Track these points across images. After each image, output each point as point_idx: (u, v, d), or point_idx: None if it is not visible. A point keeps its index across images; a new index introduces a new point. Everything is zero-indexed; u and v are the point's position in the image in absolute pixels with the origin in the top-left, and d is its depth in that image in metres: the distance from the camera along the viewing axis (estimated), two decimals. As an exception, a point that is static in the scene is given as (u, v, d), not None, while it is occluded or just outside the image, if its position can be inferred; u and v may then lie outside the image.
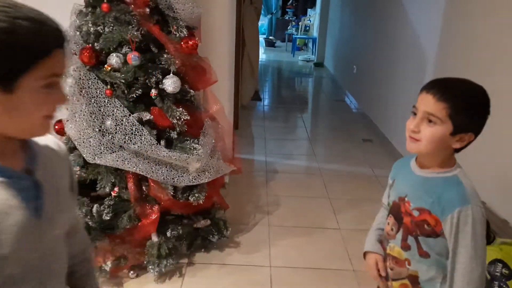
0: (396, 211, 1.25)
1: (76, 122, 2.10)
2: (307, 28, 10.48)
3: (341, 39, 7.43)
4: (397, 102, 4.22)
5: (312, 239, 2.71)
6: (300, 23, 10.69)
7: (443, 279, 1.17)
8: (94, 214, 2.15)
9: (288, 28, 11.29)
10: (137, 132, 2.06)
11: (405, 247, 1.21)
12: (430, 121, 1.11)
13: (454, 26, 3.08)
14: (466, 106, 1.10)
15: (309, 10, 10.95)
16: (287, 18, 11.94)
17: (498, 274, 1.81)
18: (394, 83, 4.33)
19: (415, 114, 1.15)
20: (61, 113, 2.20)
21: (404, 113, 3.99)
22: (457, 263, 1.11)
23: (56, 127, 2.23)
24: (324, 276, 2.36)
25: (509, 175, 2.32)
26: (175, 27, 2.14)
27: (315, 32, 9.85)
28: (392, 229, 1.26)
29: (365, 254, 1.39)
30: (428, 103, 1.11)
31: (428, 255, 1.17)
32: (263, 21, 11.69)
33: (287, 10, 12.15)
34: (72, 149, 2.16)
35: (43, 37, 0.75)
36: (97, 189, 2.13)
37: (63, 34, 0.78)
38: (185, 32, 2.14)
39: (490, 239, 2.09)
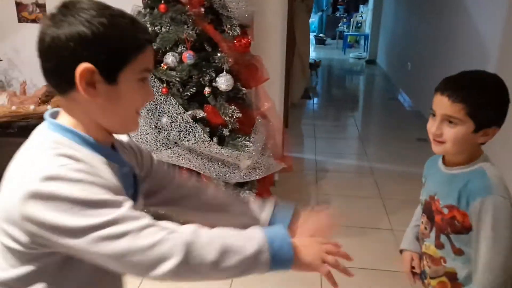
0: (428, 210, 1.23)
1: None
2: (359, 24, 10.28)
3: (395, 35, 7.23)
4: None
5: (364, 239, 2.66)
6: (351, 19, 10.50)
7: None
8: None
9: (339, 25, 11.12)
10: (191, 129, 2.12)
11: (439, 245, 1.18)
12: (450, 122, 1.08)
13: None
14: (484, 102, 1.07)
15: (361, 6, 10.74)
16: (338, 15, 11.77)
17: None
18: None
19: (434, 115, 1.12)
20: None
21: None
22: (479, 254, 1.07)
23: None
24: (377, 277, 2.32)
25: None
26: (229, 26, 2.18)
27: (367, 29, 9.65)
28: (426, 228, 1.24)
29: (401, 251, 1.37)
30: (444, 105, 1.08)
31: (462, 252, 1.14)
32: (314, 19, 11.59)
33: (338, 7, 11.97)
34: (130, 145, 2.26)
35: (139, 33, 0.79)
36: (153, 184, 2.21)
37: (150, 32, 0.82)
38: (238, 31, 2.18)
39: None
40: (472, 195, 1.08)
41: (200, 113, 2.18)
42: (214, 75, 2.17)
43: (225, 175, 2.22)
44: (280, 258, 0.81)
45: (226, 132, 2.25)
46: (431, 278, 1.24)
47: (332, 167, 3.77)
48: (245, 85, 2.34)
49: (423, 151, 4.04)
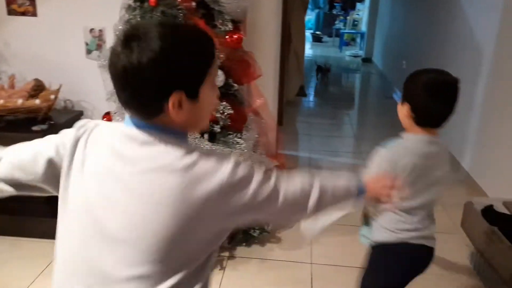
0: None
1: (124, 114, 2.16)
2: (356, 22, 10.26)
3: (391, 33, 7.21)
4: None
5: (356, 238, 2.64)
6: (348, 17, 10.47)
7: None
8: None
9: (336, 22, 11.09)
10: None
11: None
12: None
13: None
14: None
15: (358, 4, 10.71)
16: (334, 12, 11.74)
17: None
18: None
19: None
20: (109, 105, 2.27)
21: (456, 111, 3.81)
22: None
23: (105, 119, 2.30)
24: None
25: None
26: (221, 21, 2.15)
27: (363, 27, 9.63)
28: None
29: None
30: None
31: None
32: (310, 16, 11.55)
33: (335, 4, 11.93)
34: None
35: (211, 46, 0.84)
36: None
37: None
38: (230, 26, 2.14)
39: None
40: None
41: (191, 109, 2.15)
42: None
43: (215, 172, 2.19)
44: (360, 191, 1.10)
45: (217, 128, 2.21)
46: None
47: (327, 165, 3.75)
48: (237, 81, 2.31)
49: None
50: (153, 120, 0.82)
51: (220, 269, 2.32)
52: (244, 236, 2.48)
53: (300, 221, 1.18)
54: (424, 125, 1.45)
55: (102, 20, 2.62)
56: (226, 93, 2.25)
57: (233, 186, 0.81)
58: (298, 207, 0.95)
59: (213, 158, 0.81)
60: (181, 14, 2.08)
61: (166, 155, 0.80)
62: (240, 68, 2.30)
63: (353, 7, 10.94)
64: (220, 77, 2.12)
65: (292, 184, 0.93)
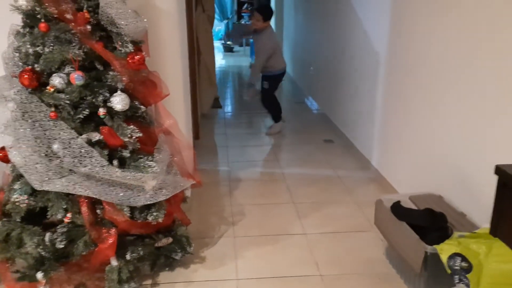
0: None
1: (20, 148, 1.99)
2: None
3: (296, 42, 7.49)
4: (353, 101, 4.27)
5: (278, 247, 2.69)
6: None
7: None
8: (47, 243, 2.04)
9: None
10: (87, 154, 1.97)
11: None
12: None
13: (400, 26, 3.14)
14: None
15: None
16: (243, 22, 11.95)
17: (457, 267, 1.84)
18: (349, 83, 4.38)
19: None
20: (4, 139, 2.09)
21: (362, 111, 4.04)
22: None
23: (0, 154, 2.12)
24: (291, 285, 2.34)
25: (465, 169, 2.38)
26: (120, 43, 2.07)
27: (272, 36, 9.88)
28: None
29: None
30: None
31: None
32: (220, 27, 11.66)
33: (242, 14, 12.16)
34: (19, 176, 2.06)
35: None
36: (48, 216, 2.03)
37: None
38: (130, 48, 2.07)
39: (448, 233, 2.13)
40: None
41: (96, 136, 2.04)
42: (108, 94, 2.04)
43: (129, 199, 2.10)
44: None
45: (126, 153, 2.13)
46: None
47: (246, 176, 3.78)
48: (144, 102, 2.24)
49: (329, 152, 4.24)
50: None
51: (143, 299, 2.23)
52: (166, 261, 2.40)
53: None
54: None
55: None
56: (133, 116, 2.18)
57: None
58: None
59: None
60: (76, 38, 1.98)
61: None
62: (145, 89, 2.23)
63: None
64: (124, 101, 2.04)
65: None
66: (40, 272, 2.07)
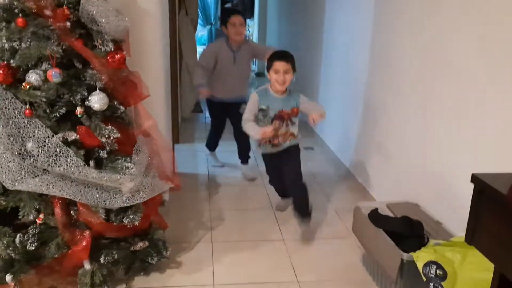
0: (280, 117, 2.74)
1: None
2: (247, 38, 10.53)
3: (280, 47, 7.51)
4: (334, 109, 4.31)
5: (256, 252, 2.66)
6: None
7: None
8: (17, 244, 1.98)
9: (228, 38, 11.29)
10: (62, 153, 1.92)
11: (288, 125, 2.81)
12: (286, 73, 2.66)
13: (380, 37, 3.19)
14: (294, 61, 2.71)
15: (248, 20, 11.02)
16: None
17: (432, 275, 1.85)
18: (330, 91, 4.41)
19: (278, 72, 2.66)
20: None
21: (342, 120, 4.07)
22: (311, 104, 2.91)
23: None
24: (269, 290, 2.32)
25: (442, 178, 2.41)
26: (100, 41, 2.03)
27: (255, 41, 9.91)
28: (280, 124, 2.75)
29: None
30: (284, 65, 2.66)
31: (294, 122, 2.83)
32: (203, 32, 11.64)
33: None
34: (-10, 175, 1.99)
35: None
36: (20, 217, 1.97)
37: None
38: (111, 46, 2.04)
39: (424, 241, 2.15)
40: (297, 101, 2.79)
41: (72, 135, 1.99)
42: (86, 93, 2.00)
43: (105, 201, 2.05)
44: None
45: (103, 154, 2.09)
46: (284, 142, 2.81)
47: (225, 181, 3.75)
48: (123, 103, 2.20)
49: (309, 159, 4.24)
50: None
51: (117, 304, 2.18)
52: (141, 265, 2.35)
53: None
54: None
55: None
56: (111, 116, 2.14)
57: None
58: None
59: None
60: (55, 35, 1.93)
61: None
62: (125, 89, 2.19)
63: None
64: (102, 100, 2.00)
65: None
66: (9, 274, 2.00)
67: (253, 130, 2.66)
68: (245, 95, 3.67)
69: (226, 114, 3.78)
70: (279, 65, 2.62)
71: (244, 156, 3.90)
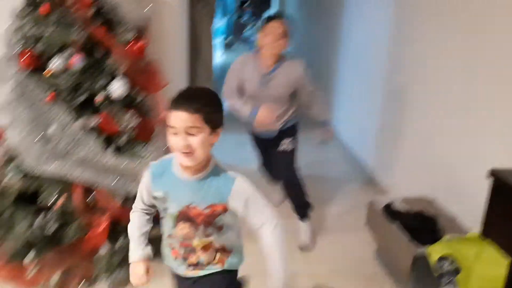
0: (186, 217, 1.42)
1: (16, 129, 1.99)
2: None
3: (296, 40, 7.48)
4: (350, 103, 4.29)
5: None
6: (257, 24, 10.70)
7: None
8: (38, 226, 2.04)
9: (246, 29, 11.30)
10: (82, 139, 1.97)
11: (208, 235, 1.44)
12: (190, 133, 1.26)
13: (400, 31, 3.16)
14: (213, 109, 1.32)
15: (266, 12, 10.99)
16: (244, 19, 11.95)
17: (446, 270, 1.85)
18: (347, 85, 4.39)
19: (175, 133, 1.27)
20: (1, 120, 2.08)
21: (359, 114, 4.05)
22: (258, 208, 1.43)
23: (-5, 134, 2.11)
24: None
25: (457, 173, 2.39)
26: (121, 30, 2.07)
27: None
28: (190, 230, 1.44)
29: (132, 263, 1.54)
30: (184, 119, 1.24)
31: (222, 227, 1.44)
32: (221, 23, 11.63)
33: (245, 11, 12.15)
34: (12, 158, 2.05)
35: None
36: (40, 200, 2.03)
37: None
38: (131, 35, 2.07)
39: (438, 236, 2.15)
40: (226, 192, 1.37)
41: (92, 122, 2.04)
42: (106, 81, 2.04)
43: (122, 186, 2.09)
44: None
45: (122, 141, 2.13)
46: (207, 264, 1.49)
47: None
48: (142, 91, 2.24)
49: (324, 153, 4.23)
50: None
51: (132, 287, 2.22)
52: (158, 249, 2.39)
53: None
54: None
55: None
56: (130, 104, 2.18)
57: None
58: None
59: None
60: (78, 22, 1.97)
61: None
62: (144, 77, 2.23)
63: (261, 14, 11.21)
64: (122, 88, 2.04)
65: None
66: (29, 255, 2.06)
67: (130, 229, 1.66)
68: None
69: (265, 151, 2.96)
70: (177, 118, 1.26)
71: (301, 211, 2.81)
